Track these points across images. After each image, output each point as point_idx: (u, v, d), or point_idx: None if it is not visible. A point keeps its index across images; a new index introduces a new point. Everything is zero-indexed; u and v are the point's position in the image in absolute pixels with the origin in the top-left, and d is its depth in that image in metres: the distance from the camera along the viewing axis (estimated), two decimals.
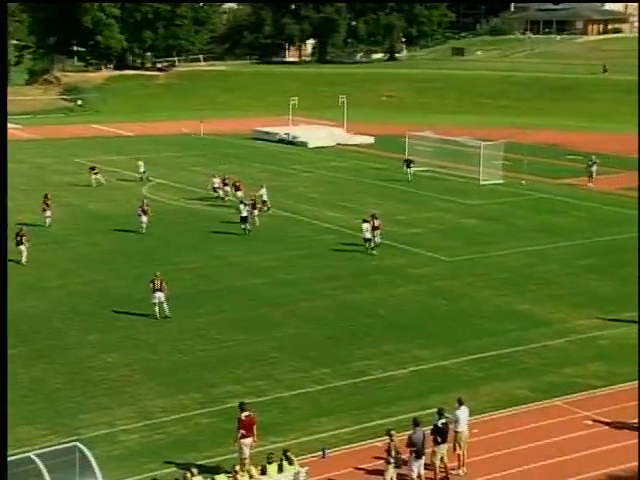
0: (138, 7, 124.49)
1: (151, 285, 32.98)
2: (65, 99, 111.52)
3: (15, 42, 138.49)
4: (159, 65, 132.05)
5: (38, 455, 18.34)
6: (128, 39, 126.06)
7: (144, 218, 45.93)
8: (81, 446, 18.94)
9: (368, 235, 42.26)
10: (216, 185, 54.24)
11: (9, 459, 18.90)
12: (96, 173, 58.66)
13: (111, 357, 29.31)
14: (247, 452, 21.66)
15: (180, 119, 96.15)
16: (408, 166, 61.87)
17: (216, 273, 39.25)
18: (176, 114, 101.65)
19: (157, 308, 32.85)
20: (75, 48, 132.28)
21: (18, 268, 39.16)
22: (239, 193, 51.04)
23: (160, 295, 32.85)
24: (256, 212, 47.34)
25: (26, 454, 19.08)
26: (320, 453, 22.71)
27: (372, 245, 42.24)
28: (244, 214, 45.77)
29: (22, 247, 40.22)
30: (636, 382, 26.84)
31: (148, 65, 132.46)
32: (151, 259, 40.95)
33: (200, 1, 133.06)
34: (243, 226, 45.71)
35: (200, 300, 35.36)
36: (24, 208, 50.59)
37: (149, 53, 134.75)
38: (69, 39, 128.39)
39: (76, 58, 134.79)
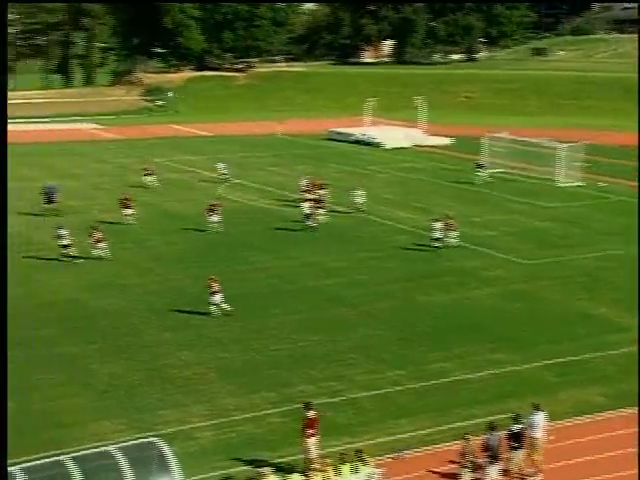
0: (218, 8, 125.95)
1: (210, 288, 33.37)
2: (146, 100, 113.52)
3: (99, 44, 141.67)
4: (238, 66, 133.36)
5: (117, 449, 18.76)
6: (208, 40, 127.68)
7: (214, 218, 46.49)
8: (158, 442, 19.30)
9: (438, 235, 42.33)
10: (304, 188, 54.32)
11: (87, 452, 19.41)
12: (148, 174, 59.15)
13: (186, 355, 29.75)
14: (314, 451, 21.80)
15: (258, 120, 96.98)
16: (479, 169, 61.41)
17: (291, 273, 39.51)
18: (254, 115, 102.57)
19: (214, 307, 33.27)
20: (157, 49, 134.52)
21: (98, 265, 40.08)
22: (321, 192, 51.79)
23: (218, 297, 33.25)
24: (321, 211, 47.77)
25: (105, 448, 19.51)
26: (395, 455, 22.71)
27: (439, 245, 42.24)
28: (307, 211, 46.83)
29: (101, 244, 41.08)
30: None
31: (227, 66, 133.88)
32: (227, 258, 41.46)
33: (280, 1, 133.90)
34: (307, 223, 46.75)
35: (275, 300, 35.64)
36: (107, 207, 51.67)
37: (228, 54, 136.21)
38: (151, 41, 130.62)
39: (157, 59, 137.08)
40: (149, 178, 58.59)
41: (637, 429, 22.11)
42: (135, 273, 39.56)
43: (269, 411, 25.43)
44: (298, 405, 24.94)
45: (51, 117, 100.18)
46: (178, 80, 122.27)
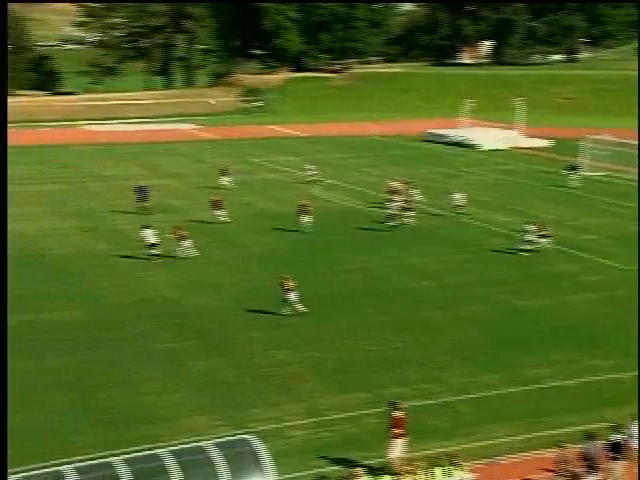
0: (315, 10, 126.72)
1: (283, 287, 33.46)
2: (244, 100, 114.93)
3: (200, 46, 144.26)
4: (335, 67, 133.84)
5: (212, 445, 19.02)
6: (305, 41, 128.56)
7: (305, 218, 46.66)
8: (253, 439, 19.50)
9: (531, 238, 41.82)
10: (391, 189, 54.20)
11: (183, 447, 19.75)
12: (225, 175, 59.48)
13: (280, 354, 29.97)
14: (400, 452, 21.69)
15: (354, 121, 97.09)
16: (572, 171, 60.11)
17: (385, 274, 39.41)
18: (350, 116, 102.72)
19: (288, 308, 33.35)
20: (255, 51, 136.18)
21: (194, 264, 40.75)
22: (412, 191, 51.98)
23: (292, 296, 33.35)
24: (410, 213, 47.95)
25: (199, 443, 19.81)
26: (488, 460, 22.41)
27: (531, 248, 41.57)
28: (391, 212, 47.34)
29: (184, 242, 41.62)
30: None
31: (324, 67, 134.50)
32: (320, 259, 41.65)
33: (380, 1, 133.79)
34: (390, 223, 46.95)
35: (369, 300, 35.61)
36: (204, 206, 52.49)
37: (325, 55, 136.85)
38: (250, 42, 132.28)
39: (256, 61, 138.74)
40: (226, 178, 59.10)
41: (637, 431, 21.24)
42: (229, 272, 40.04)
43: (363, 411, 25.40)
44: None
45: (153, 117, 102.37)
46: (275, 81, 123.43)
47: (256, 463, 18.77)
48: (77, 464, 18.74)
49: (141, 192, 51.13)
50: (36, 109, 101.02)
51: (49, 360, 29.14)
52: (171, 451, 18.74)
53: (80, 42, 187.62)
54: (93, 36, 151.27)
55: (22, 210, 51.09)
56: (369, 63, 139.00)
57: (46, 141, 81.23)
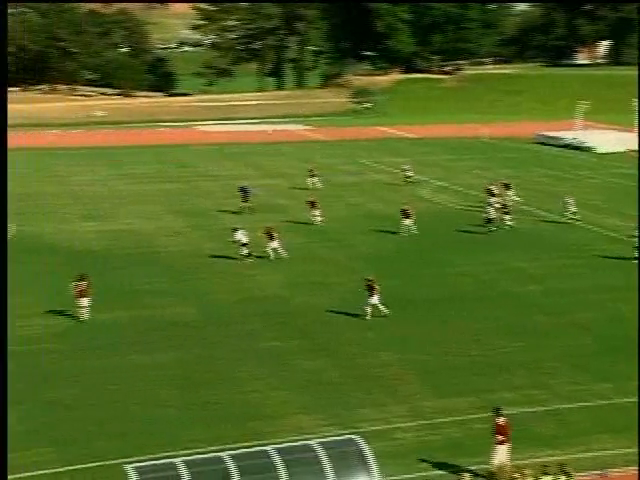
0: (428, 11, 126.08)
1: (368, 288, 33.28)
2: (354, 102, 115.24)
3: (312, 48, 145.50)
4: (446, 68, 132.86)
5: (317, 444, 19.21)
6: (417, 43, 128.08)
7: (407, 221, 46.39)
8: (359, 439, 19.60)
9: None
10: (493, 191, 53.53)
11: (289, 445, 20.00)
12: (313, 176, 59.52)
13: (387, 355, 29.98)
14: (504, 458, 21.41)
15: (464, 122, 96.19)
16: None
17: (492, 278, 38.97)
18: (460, 117, 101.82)
19: (370, 309, 33.22)
20: (366, 52, 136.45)
21: (301, 263, 41.14)
22: (509, 192, 51.10)
23: (375, 298, 33.16)
24: (507, 217, 46.90)
25: (306, 442, 20.03)
26: (599, 472, 21.89)
27: (636, 255, 40.58)
28: (492, 216, 46.33)
29: (273, 243, 41.96)
30: None
31: (435, 68, 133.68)
32: (426, 260, 41.50)
33: (493, 2, 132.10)
34: (489, 228, 46.11)
35: (476, 304, 35.27)
36: (305, 206, 53.08)
37: (437, 56, 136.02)
38: (361, 44, 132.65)
39: (367, 62, 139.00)
40: (313, 179, 59.20)
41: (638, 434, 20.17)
42: (336, 272, 40.29)
43: (470, 416, 25.17)
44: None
45: (264, 118, 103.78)
46: (385, 82, 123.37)
47: (362, 464, 18.84)
48: (187, 457, 19.22)
49: (244, 192, 51.93)
50: (154, 109, 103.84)
51: (161, 355, 29.92)
52: (278, 448, 19.01)
53: (196, 44, 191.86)
54: (208, 38, 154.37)
55: (141, 208, 52.67)
56: (481, 64, 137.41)
57: (164, 141, 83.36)
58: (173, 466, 18.18)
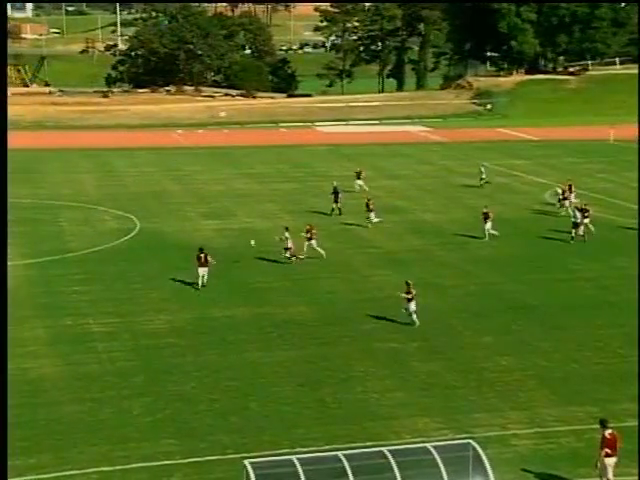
0: (555, 11, 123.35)
1: (406, 294, 32.84)
2: (475, 103, 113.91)
3: (433, 49, 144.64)
4: (571, 69, 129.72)
5: (434, 447, 19.10)
6: (542, 43, 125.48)
7: (487, 225, 45.20)
8: (475, 444, 19.38)
9: None
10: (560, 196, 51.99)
11: (405, 447, 19.95)
12: (359, 178, 58.75)
13: (505, 360, 29.52)
14: (611, 473, 20.73)
15: (589, 124, 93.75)
16: None
17: (613, 284, 37.87)
18: (584, 119, 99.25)
19: (408, 314, 32.77)
20: (489, 53, 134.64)
21: (417, 264, 40.91)
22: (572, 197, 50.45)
23: (412, 305, 32.62)
24: (586, 220, 45.31)
25: (422, 444, 19.95)
26: None
27: None
28: (577, 220, 44.75)
29: (312, 242, 41.63)
30: None
31: (560, 69, 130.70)
32: (547, 265, 40.64)
33: (623, 0, 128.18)
34: (573, 233, 44.53)
35: (599, 311, 34.35)
36: (427, 207, 52.79)
37: (562, 57, 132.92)
38: (484, 45, 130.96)
39: (489, 63, 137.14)
40: (359, 182, 58.44)
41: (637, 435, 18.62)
42: (454, 274, 39.93)
43: (590, 426, 24.48)
44: (622, 424, 23.79)
45: (383, 119, 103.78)
46: (508, 84, 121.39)
47: (478, 469, 18.64)
48: (303, 455, 19.42)
49: (335, 194, 51.89)
50: (275, 110, 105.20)
51: (279, 353, 30.29)
52: (393, 450, 18.99)
53: (317, 46, 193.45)
54: (330, 40, 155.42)
55: (260, 207, 53.48)
56: (608, 64, 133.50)
57: (284, 141, 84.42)
58: (290, 463, 18.40)
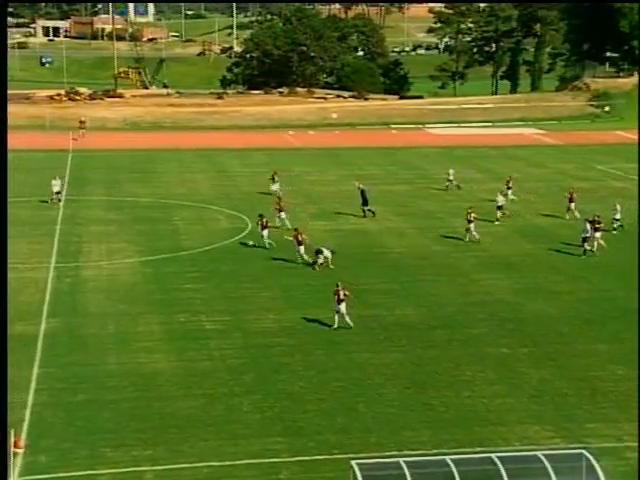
0: None
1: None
2: (592, 105, 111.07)
3: (549, 50, 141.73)
4: None
5: (545, 456, 18.73)
6: None
7: (597, 234, 43.39)
8: (588, 455, 18.91)
9: None
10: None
11: (515, 454, 19.65)
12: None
13: (620, 369, 28.73)
14: None
15: None
16: None
17: None
18: None
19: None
20: (608, 54, 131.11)
21: (531, 269, 40.17)
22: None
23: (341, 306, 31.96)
24: (597, 234, 42.94)
25: (532, 452, 19.60)
26: None
27: None
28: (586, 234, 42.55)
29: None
30: None
31: None
32: None
33: None
34: (584, 247, 42.40)
35: None
36: (537, 210, 51.85)
37: None
38: (603, 45, 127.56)
39: (608, 64, 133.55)
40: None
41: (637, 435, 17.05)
42: (566, 280, 39.05)
43: None
44: None
45: (496, 121, 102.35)
46: (627, 85, 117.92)
47: None
48: (411, 458, 19.34)
49: (362, 194, 51.37)
50: (387, 112, 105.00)
51: (386, 355, 30.24)
52: (502, 456, 18.72)
53: (430, 48, 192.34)
54: (443, 42, 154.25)
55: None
56: None
57: (395, 143, 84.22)
58: (397, 465, 18.36)
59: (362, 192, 51.09)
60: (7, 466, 20.01)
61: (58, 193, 53.07)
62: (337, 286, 32.44)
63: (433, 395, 26.91)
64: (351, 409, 25.95)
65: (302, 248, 40.82)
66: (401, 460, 18.67)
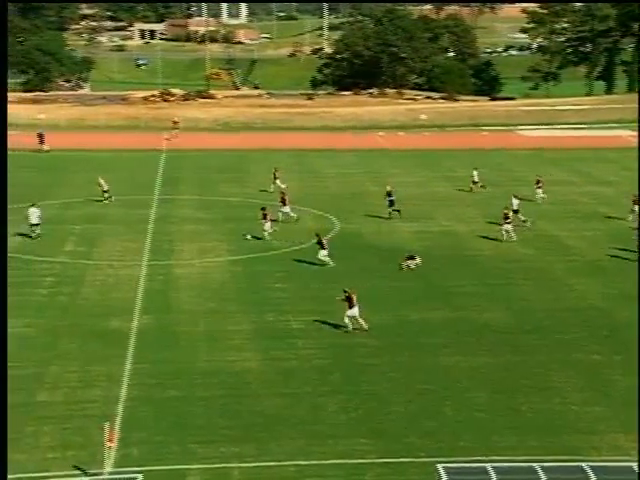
0: None
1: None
2: None
3: None
4: None
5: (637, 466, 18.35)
6: None
7: None
8: None
9: None
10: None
11: (608, 465, 19.25)
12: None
13: None
14: None
15: None
16: None
17: None
18: None
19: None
20: None
21: (622, 275, 39.27)
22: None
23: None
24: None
25: (626, 463, 19.20)
26: None
27: None
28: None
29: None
30: None
31: None
32: None
33: None
34: None
35: None
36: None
37: None
38: None
39: None
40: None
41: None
42: None
43: None
44: None
45: (590, 123, 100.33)
46: None
47: None
48: (498, 464, 19.16)
49: (390, 197, 50.55)
50: (477, 113, 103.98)
51: (474, 359, 29.98)
52: (593, 466, 18.40)
53: (523, 48, 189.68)
54: (536, 42, 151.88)
55: (457, 211, 53.09)
56: None
57: (484, 144, 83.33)
58: (484, 470, 18.22)
59: (389, 194, 50.88)
60: (7, 466, 20.14)
61: (106, 192, 53.71)
62: (346, 291, 32.22)
63: (522, 401, 26.58)
64: (437, 412, 25.84)
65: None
66: (488, 466, 18.51)
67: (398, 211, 50.54)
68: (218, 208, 53.10)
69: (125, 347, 30.60)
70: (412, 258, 40.30)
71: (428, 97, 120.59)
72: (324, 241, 40.65)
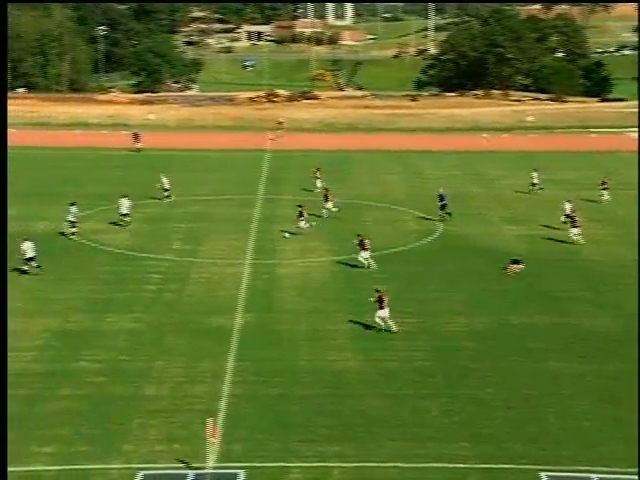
0: None
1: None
2: None
3: None
4: None
5: None
6: None
7: None
8: None
9: None
10: None
11: None
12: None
13: None
14: None
15: None
16: None
17: None
18: None
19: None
20: None
21: None
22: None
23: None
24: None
25: None
26: None
27: None
28: None
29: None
30: None
31: None
32: None
33: None
34: None
35: None
36: None
37: None
38: None
39: None
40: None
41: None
42: None
43: None
44: None
45: None
46: None
47: None
48: (602, 475, 18.74)
49: (441, 199, 49.10)
50: (586, 115, 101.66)
51: (579, 365, 29.38)
52: None
53: (636, 48, 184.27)
54: None
55: (561, 214, 52.01)
56: None
57: (594, 147, 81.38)
58: None
59: (441, 197, 49.99)
60: (7, 466, 20.26)
61: (166, 190, 54.37)
62: (378, 291, 32.14)
63: (629, 410, 25.88)
64: (541, 419, 25.41)
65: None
66: (594, 477, 18.12)
67: (449, 214, 49.95)
68: (320, 209, 53.38)
69: (228, 344, 31.10)
70: (517, 262, 39.78)
71: (535, 98, 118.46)
72: (366, 241, 40.44)
